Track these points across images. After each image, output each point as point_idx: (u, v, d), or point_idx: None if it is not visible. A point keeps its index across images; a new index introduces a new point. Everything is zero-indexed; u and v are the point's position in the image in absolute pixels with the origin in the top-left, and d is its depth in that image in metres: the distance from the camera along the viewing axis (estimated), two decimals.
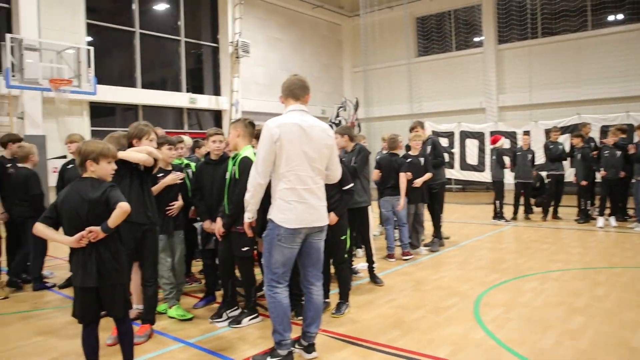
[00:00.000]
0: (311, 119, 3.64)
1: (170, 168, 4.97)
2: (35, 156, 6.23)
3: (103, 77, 13.55)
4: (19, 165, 6.10)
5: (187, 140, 6.36)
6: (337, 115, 16.42)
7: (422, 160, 7.37)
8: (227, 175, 4.48)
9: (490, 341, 4.04)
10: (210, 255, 5.17)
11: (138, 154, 4.04)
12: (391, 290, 5.66)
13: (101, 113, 14.46)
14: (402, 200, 6.89)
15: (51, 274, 6.30)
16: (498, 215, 10.51)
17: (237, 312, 4.56)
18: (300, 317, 4.01)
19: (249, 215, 3.73)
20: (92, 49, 12.70)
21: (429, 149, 7.83)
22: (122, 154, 3.87)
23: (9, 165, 6.20)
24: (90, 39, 13.99)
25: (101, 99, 13.68)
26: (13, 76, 11.45)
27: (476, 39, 19.15)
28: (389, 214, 7.02)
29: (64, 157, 6.91)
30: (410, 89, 18.57)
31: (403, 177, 6.87)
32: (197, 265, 6.37)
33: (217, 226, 4.49)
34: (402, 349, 3.91)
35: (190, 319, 4.69)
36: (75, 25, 13.46)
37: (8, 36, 11.56)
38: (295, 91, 3.65)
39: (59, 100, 12.13)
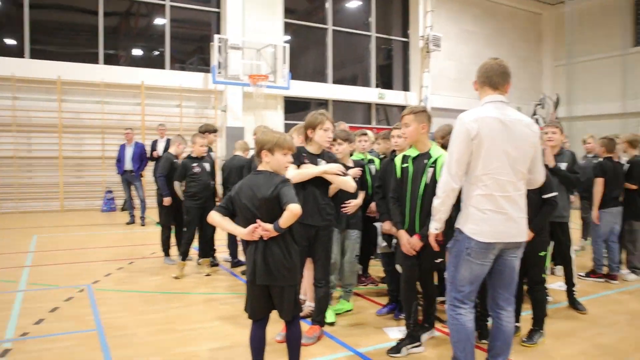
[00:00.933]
0: (513, 112, 3.04)
1: (351, 164, 4.75)
2: (250, 151, 6.90)
3: (297, 73, 14.26)
4: (235, 153, 6.80)
5: (371, 134, 6.10)
6: (534, 113, 15.00)
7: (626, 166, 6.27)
8: (415, 177, 3.84)
9: None
10: (390, 260, 4.80)
11: (312, 171, 3.94)
12: (597, 321, 4.74)
13: (295, 107, 15.22)
14: (596, 211, 6.07)
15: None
16: None
17: (419, 350, 3.95)
18: (485, 341, 3.46)
19: (437, 225, 3.19)
20: (287, 46, 13.44)
21: None
22: (304, 172, 3.88)
23: None
24: (287, 37, 14.78)
25: (294, 94, 14.42)
26: (219, 73, 12.70)
27: None
28: (608, 228, 6.07)
29: None
30: (623, 84, 16.29)
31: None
32: (373, 265, 6.12)
33: (405, 240, 3.83)
34: None
35: (339, 313, 4.61)
36: (274, 25, 14.35)
37: (216, 37, 12.86)
38: (494, 78, 3.06)
39: (257, 95, 13.07)
